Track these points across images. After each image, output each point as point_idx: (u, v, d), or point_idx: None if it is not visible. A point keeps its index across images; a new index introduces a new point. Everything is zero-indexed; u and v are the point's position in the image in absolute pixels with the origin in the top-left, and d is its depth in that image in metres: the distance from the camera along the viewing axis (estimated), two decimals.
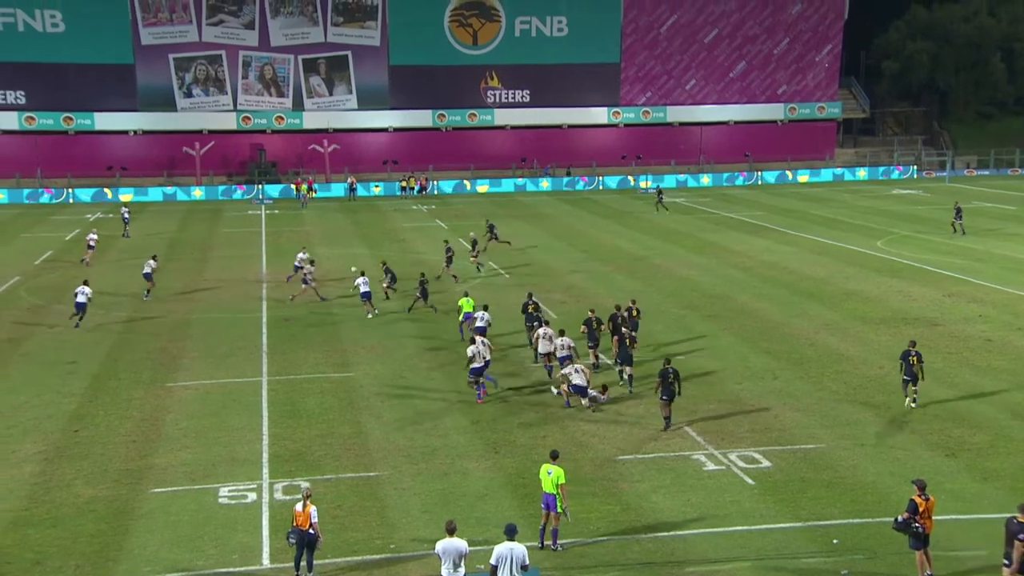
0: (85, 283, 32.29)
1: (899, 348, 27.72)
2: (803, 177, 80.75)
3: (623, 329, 25.41)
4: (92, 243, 44.55)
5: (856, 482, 18.67)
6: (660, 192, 64.41)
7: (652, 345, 28.66)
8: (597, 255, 44.39)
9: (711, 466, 19.56)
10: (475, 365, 23.52)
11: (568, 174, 78.94)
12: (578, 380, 22.99)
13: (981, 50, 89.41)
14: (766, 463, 19.69)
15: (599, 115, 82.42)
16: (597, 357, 25.96)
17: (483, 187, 76.22)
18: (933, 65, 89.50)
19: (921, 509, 14.87)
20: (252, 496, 18.31)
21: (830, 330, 30.44)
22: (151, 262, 37.13)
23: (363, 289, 32.72)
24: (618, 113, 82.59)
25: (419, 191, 73.70)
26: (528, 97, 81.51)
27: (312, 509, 15.22)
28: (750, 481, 18.82)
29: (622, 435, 21.42)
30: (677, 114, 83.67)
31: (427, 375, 26.06)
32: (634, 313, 27.74)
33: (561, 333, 24.86)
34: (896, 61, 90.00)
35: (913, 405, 22.79)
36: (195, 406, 23.50)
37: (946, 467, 19.10)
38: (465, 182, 76.18)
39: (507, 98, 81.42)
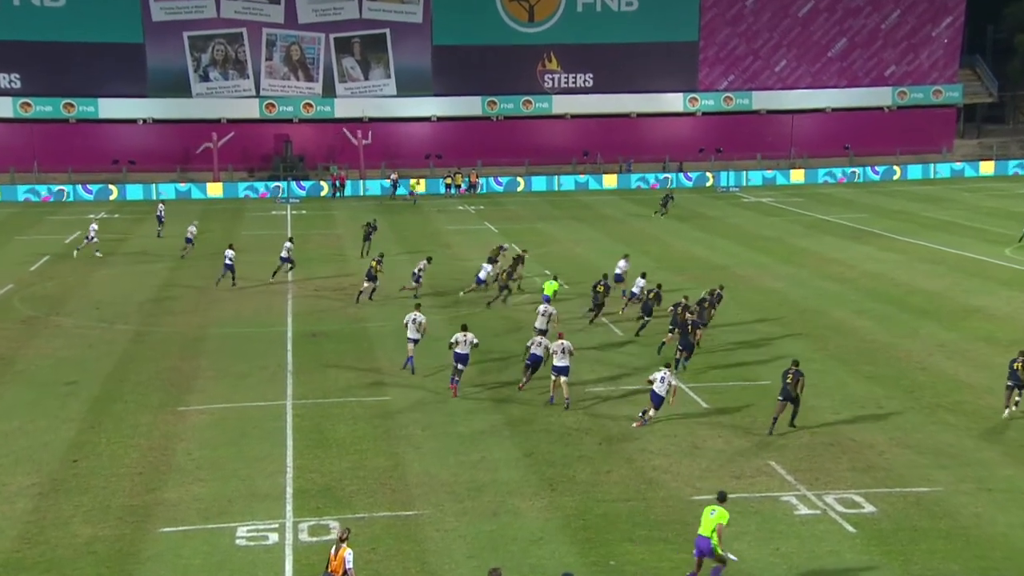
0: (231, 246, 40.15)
1: None
2: (915, 173, 79.66)
3: (688, 316, 28.81)
4: (92, 234, 47.88)
5: (981, 534, 18.33)
6: (669, 196, 61.50)
7: (727, 365, 28.50)
8: (669, 263, 44.25)
9: (804, 510, 19.36)
10: (457, 350, 26.16)
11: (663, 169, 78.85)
12: (560, 362, 25.17)
13: None
14: (870, 507, 19.43)
15: (674, 102, 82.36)
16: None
17: (537, 186, 76.41)
18: None
19: None
20: (274, 537, 18.53)
21: (946, 353, 29.98)
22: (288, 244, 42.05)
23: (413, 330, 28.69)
24: (695, 100, 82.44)
25: (468, 189, 74.18)
26: (591, 82, 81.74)
27: (347, 553, 15.37)
28: (851, 528, 18.57)
29: (699, 471, 21.30)
30: (764, 100, 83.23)
31: (475, 400, 26.15)
32: (708, 303, 31.44)
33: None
34: None
35: (1013, 408, 23.82)
36: (210, 433, 23.87)
37: None
38: (519, 179, 76.51)
39: (567, 83, 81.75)
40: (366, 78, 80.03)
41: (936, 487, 20.37)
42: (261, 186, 73.79)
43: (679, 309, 29.33)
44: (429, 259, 39.92)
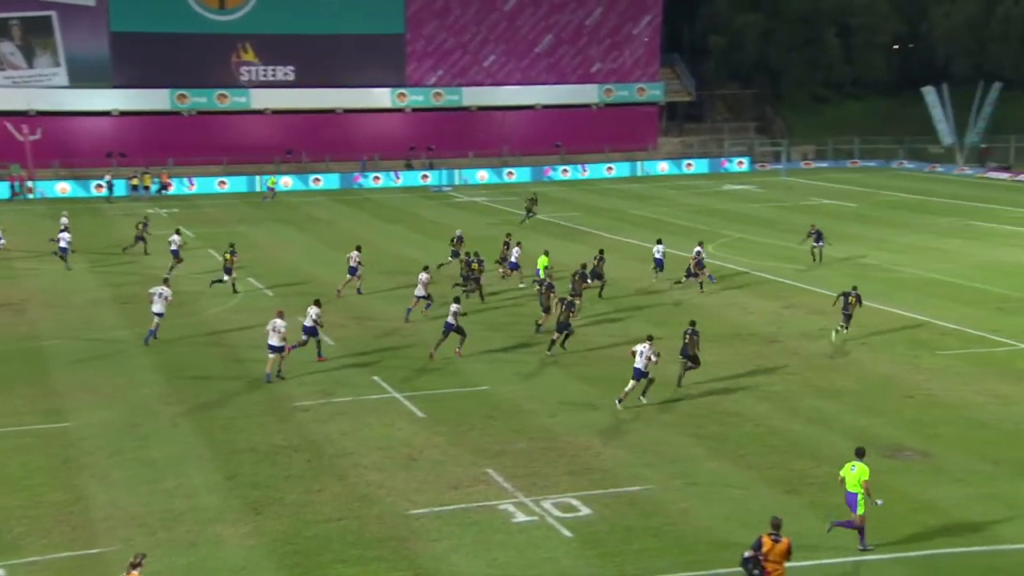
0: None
1: (737, 368, 29.40)
2: (624, 171, 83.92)
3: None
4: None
5: (688, 528, 19.51)
6: (533, 199, 59.68)
7: (443, 371, 29.00)
8: (384, 265, 44.35)
9: (521, 517, 19.92)
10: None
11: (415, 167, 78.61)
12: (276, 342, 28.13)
13: (814, 25, 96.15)
14: (586, 510, 20.24)
15: (381, 97, 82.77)
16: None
17: (221, 184, 74.56)
18: (764, 40, 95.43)
19: (765, 550, 15.59)
20: None
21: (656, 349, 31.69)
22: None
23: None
24: (404, 95, 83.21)
25: (157, 190, 71.28)
26: (292, 75, 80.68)
27: None
28: (567, 533, 19.29)
29: (415, 484, 21.47)
30: (475, 96, 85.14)
31: (170, 420, 25.20)
32: (583, 274, 35.77)
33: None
34: (723, 36, 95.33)
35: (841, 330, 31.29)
36: None
37: (788, 505, 20.26)
38: (217, 180, 74.32)
39: (266, 76, 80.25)
40: (30, 66, 75.07)
41: (648, 485, 21.50)
42: None
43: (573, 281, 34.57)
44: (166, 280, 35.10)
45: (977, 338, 32.60)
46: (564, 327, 30.94)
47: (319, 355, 30.04)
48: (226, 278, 39.13)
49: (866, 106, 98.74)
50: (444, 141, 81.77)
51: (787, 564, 15.81)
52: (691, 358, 27.59)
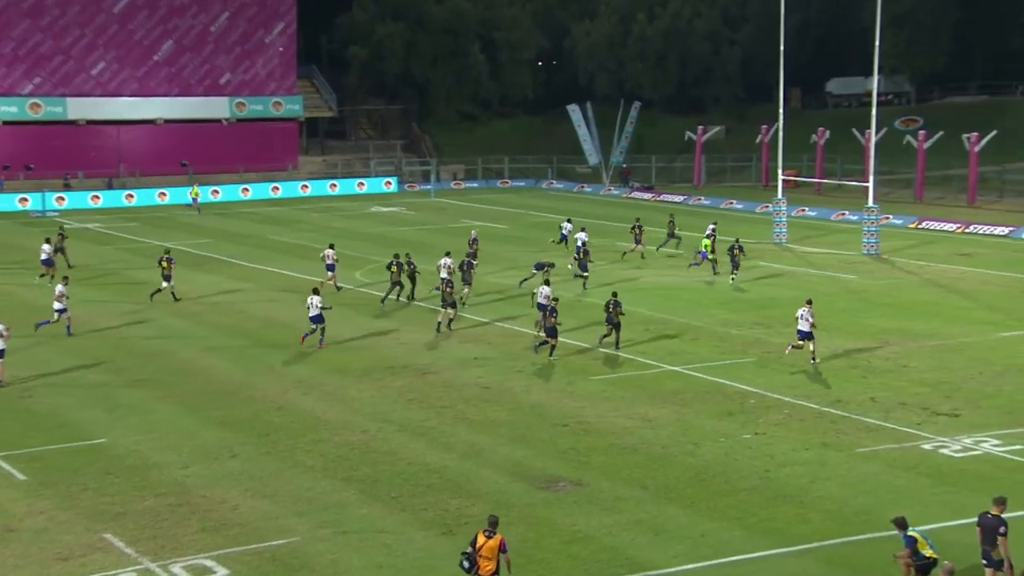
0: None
1: (388, 404, 29.71)
2: (261, 193, 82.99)
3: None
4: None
5: None
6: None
7: (49, 427, 27.46)
8: None
9: None
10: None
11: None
12: None
13: (459, 38, 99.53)
14: (222, 571, 19.72)
15: None
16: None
17: None
18: (407, 53, 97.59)
19: (479, 545, 17.27)
20: None
21: (304, 388, 31.50)
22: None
23: None
24: None
25: None
26: None
27: None
28: None
29: (14, 557, 20.24)
30: (83, 108, 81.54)
31: None
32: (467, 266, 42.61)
33: None
34: (364, 47, 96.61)
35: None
36: None
37: (443, 548, 20.62)
38: None
39: None
40: None
41: (293, 537, 21.21)
42: None
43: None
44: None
45: (627, 360, 34.68)
46: (552, 332, 34.32)
47: (321, 342, 35.70)
48: (164, 285, 42.31)
49: (515, 124, 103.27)
50: (46, 159, 77.43)
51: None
52: (615, 326, 34.68)
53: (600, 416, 28.99)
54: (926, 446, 26.22)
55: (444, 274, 40.65)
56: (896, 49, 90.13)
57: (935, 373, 32.59)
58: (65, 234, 51.96)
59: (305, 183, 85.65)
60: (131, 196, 78.36)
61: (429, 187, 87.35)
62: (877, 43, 56.56)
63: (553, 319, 34.34)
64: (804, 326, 33.16)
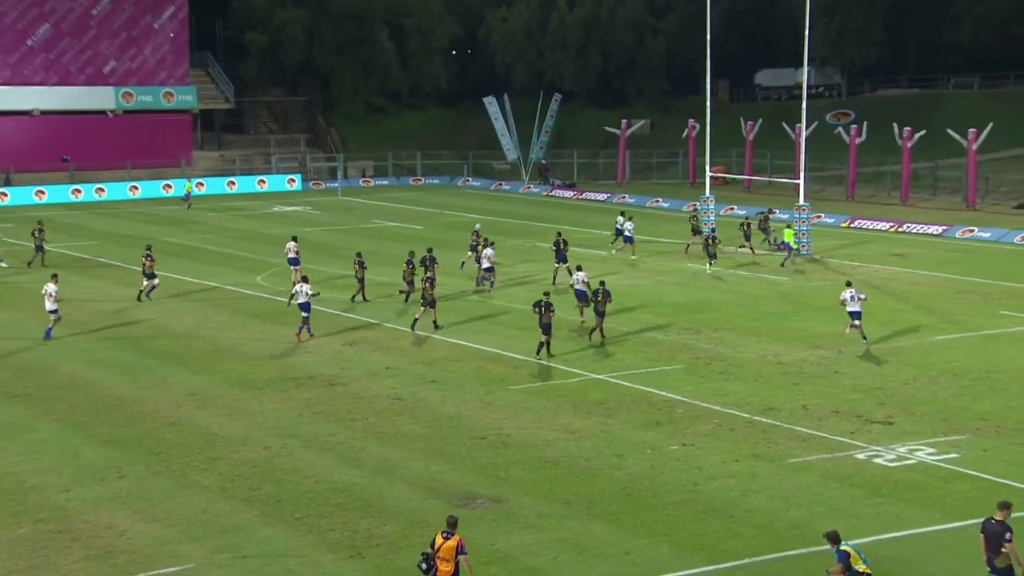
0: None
1: (289, 419, 29.46)
2: (152, 191, 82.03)
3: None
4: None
5: None
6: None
7: None
8: None
9: None
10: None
11: None
12: None
13: (365, 24, 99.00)
14: None
15: None
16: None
17: None
18: (310, 40, 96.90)
19: (437, 546, 17.87)
20: None
21: (198, 402, 31.16)
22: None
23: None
24: None
25: None
26: None
27: None
28: None
29: None
30: None
31: None
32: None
33: None
34: (263, 33, 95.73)
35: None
36: None
37: (351, 571, 20.52)
38: None
39: None
40: None
41: (187, 564, 20.91)
42: None
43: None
44: None
45: (549, 368, 34.77)
46: (547, 328, 35.39)
47: (309, 331, 37.79)
48: (146, 283, 44.05)
49: (427, 117, 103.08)
50: None
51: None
52: (600, 315, 36.87)
53: (520, 428, 29.03)
54: (860, 456, 26.66)
55: (486, 264, 46.11)
56: (827, 40, 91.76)
57: (869, 379, 33.18)
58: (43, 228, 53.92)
59: (200, 180, 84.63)
60: (4, 195, 76.85)
61: (336, 185, 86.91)
62: (807, 33, 57.58)
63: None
64: (855, 306, 36.34)
